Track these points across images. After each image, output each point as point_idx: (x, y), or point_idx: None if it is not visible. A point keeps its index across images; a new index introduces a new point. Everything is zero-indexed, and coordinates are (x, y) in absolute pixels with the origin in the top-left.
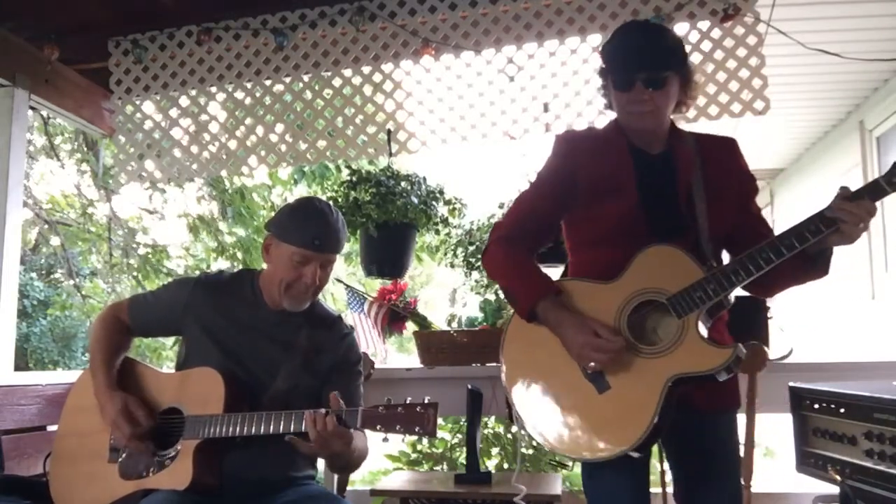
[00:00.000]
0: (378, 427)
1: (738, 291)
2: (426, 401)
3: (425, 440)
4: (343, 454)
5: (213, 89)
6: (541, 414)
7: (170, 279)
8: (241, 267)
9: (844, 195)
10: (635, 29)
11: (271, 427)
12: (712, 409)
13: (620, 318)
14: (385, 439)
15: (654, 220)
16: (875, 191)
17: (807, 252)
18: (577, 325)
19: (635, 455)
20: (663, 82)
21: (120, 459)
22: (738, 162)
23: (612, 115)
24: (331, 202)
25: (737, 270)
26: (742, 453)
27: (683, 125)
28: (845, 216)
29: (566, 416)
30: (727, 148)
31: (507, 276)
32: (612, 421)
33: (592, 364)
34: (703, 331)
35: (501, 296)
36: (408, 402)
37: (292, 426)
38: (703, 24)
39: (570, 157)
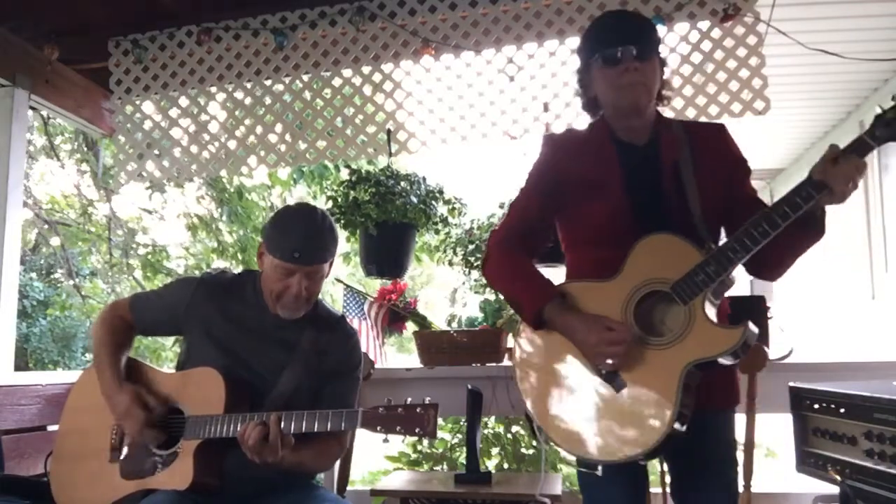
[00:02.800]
0: (378, 428)
1: (736, 290)
2: (426, 401)
3: (426, 440)
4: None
5: (213, 89)
6: (562, 422)
7: (170, 279)
8: (239, 266)
9: (830, 156)
10: (614, 12)
11: None
12: (711, 406)
13: (626, 313)
14: (385, 440)
15: (641, 214)
16: (861, 147)
17: (799, 217)
18: (586, 324)
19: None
20: (649, 54)
21: (121, 458)
22: (727, 144)
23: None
24: (329, 202)
25: (734, 247)
26: (742, 454)
27: None
28: (832, 178)
29: (588, 420)
30: (716, 131)
31: (510, 284)
32: (634, 419)
33: (610, 361)
34: (712, 314)
35: (501, 296)
36: (408, 402)
37: (293, 426)
38: (703, 24)
39: (555, 159)
